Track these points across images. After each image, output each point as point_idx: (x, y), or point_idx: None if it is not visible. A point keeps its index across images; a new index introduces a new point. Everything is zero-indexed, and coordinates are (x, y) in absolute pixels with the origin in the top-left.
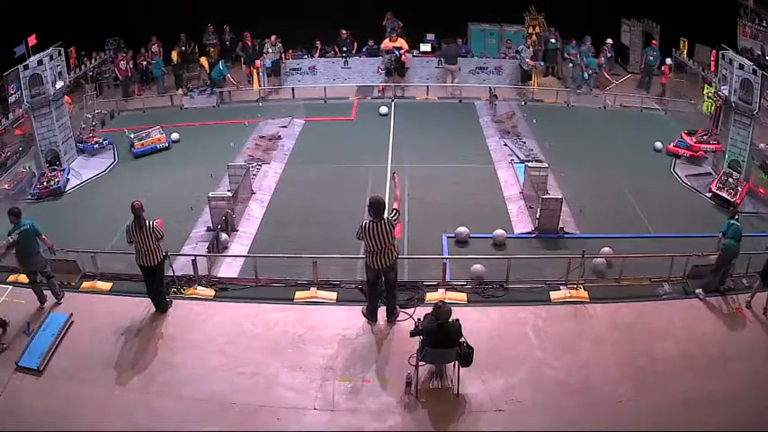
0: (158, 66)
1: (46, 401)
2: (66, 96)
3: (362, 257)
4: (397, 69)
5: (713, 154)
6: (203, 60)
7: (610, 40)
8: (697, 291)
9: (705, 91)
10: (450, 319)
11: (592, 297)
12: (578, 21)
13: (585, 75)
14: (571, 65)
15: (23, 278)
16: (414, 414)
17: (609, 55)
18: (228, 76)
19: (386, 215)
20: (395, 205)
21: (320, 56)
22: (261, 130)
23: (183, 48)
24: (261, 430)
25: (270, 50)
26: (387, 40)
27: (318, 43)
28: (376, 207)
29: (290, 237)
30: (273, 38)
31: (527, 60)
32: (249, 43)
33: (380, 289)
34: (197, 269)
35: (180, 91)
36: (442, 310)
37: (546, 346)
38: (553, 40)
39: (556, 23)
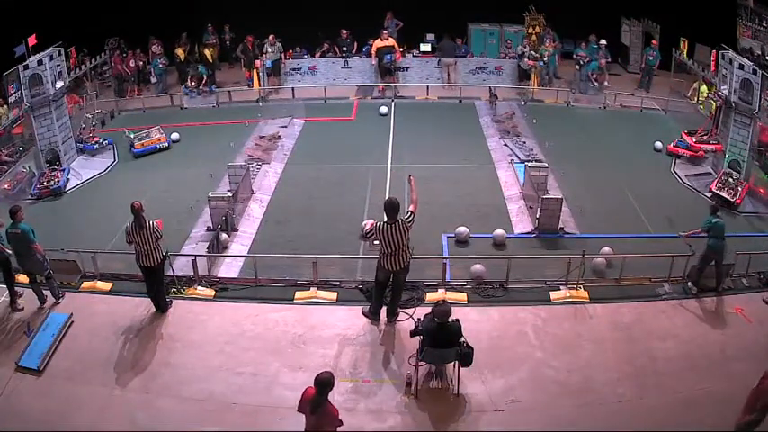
0: (156, 66)
1: (46, 401)
2: (79, 97)
3: (362, 257)
4: (390, 71)
5: (713, 154)
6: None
7: (603, 41)
8: (689, 285)
9: (696, 84)
10: (450, 319)
11: (592, 297)
12: (578, 21)
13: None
14: (578, 66)
15: (23, 278)
16: (414, 414)
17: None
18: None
19: (401, 217)
20: (411, 207)
21: (320, 56)
22: (261, 130)
23: (187, 46)
24: (261, 430)
25: (269, 50)
26: (378, 39)
27: (326, 44)
28: (391, 208)
29: (290, 237)
30: (272, 37)
31: (526, 60)
32: (250, 47)
33: (387, 290)
34: (197, 269)
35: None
36: (441, 309)
37: (546, 346)
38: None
39: (556, 23)
